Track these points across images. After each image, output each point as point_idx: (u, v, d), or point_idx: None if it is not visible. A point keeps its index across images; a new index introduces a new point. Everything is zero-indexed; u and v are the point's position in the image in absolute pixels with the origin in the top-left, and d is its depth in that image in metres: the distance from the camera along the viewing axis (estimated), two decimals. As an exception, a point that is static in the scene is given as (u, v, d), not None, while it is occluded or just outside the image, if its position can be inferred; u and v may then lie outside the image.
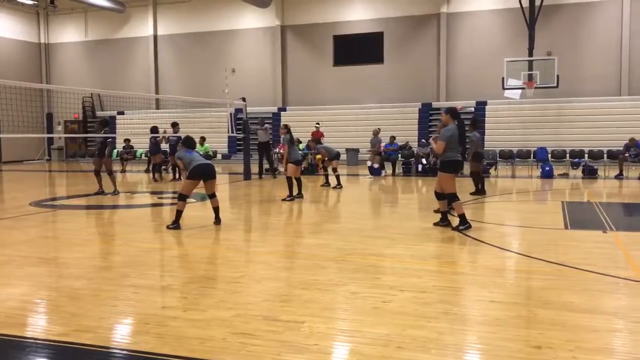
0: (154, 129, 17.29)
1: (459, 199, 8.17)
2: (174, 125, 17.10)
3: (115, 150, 14.00)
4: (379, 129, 18.81)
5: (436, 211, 9.10)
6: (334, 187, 14.27)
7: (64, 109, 28.58)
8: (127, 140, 22.82)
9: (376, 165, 18.36)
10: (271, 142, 18.62)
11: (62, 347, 3.88)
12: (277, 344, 3.82)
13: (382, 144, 20.33)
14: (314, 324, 4.23)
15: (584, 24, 23.10)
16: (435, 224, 8.46)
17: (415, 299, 4.83)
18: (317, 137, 18.91)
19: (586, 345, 3.76)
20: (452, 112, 8.34)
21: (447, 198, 8.18)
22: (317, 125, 21.29)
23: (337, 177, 14.61)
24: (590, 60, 22.99)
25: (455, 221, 8.26)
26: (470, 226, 8.02)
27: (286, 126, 12.59)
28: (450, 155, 8.09)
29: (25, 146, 30.14)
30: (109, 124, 14.04)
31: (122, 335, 4.22)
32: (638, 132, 19.64)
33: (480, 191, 12.43)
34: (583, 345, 3.76)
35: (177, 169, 16.99)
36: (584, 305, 4.62)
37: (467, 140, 9.83)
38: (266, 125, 18.75)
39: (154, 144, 17.64)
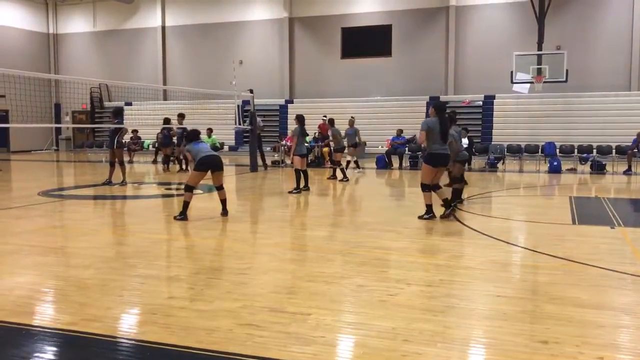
0: (167, 121, 17.52)
1: (429, 191, 8.48)
2: (180, 116, 17.11)
3: (124, 141, 14.05)
4: (353, 118, 17.42)
5: (442, 205, 9.09)
6: (340, 180, 14.25)
7: (72, 100, 28.66)
8: (134, 131, 22.87)
9: (350, 159, 16.72)
10: (261, 135, 18.74)
11: (70, 336, 3.91)
12: (284, 336, 3.83)
13: (389, 138, 20.31)
14: (320, 316, 4.24)
15: (594, 18, 22.91)
16: (442, 216, 8.50)
17: (422, 293, 4.83)
18: (324, 129, 18.89)
19: (593, 341, 3.75)
20: (437, 106, 8.60)
21: (421, 187, 8.50)
22: (324, 118, 21.21)
23: (343, 170, 14.62)
24: (599, 54, 22.82)
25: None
26: (434, 216, 8.42)
27: (297, 117, 12.51)
28: (436, 148, 8.33)
29: (33, 136, 30.28)
30: (121, 114, 14.02)
31: (129, 325, 4.25)
32: (647, 128, 19.55)
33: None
34: (590, 340, 3.75)
35: (183, 160, 17.09)
36: (591, 301, 4.61)
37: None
38: (259, 119, 18.65)
39: (166, 136, 17.87)
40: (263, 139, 18.36)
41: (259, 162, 17.93)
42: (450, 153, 8.71)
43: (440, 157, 8.38)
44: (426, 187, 8.46)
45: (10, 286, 5.12)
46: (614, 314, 4.32)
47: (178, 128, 16.65)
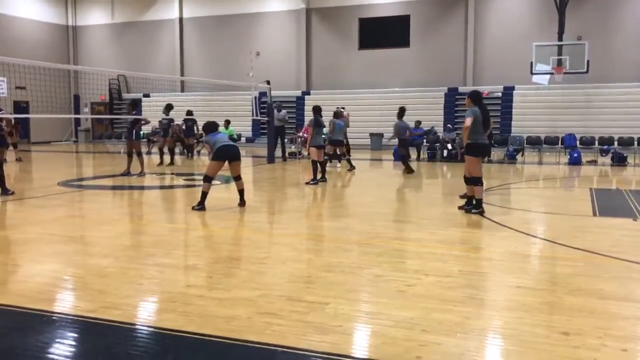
0: (189, 113, 18.47)
1: (482, 184, 8.19)
2: (167, 107, 16.54)
3: (141, 132, 14.05)
4: (339, 108, 15.98)
5: (462, 196, 9.02)
6: (349, 169, 14.53)
7: (91, 91, 28.90)
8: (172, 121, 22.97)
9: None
10: (286, 127, 18.72)
11: (90, 323, 3.93)
12: (302, 324, 3.83)
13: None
14: (338, 305, 4.22)
15: (616, 8, 22.48)
16: (460, 208, 8.41)
17: (440, 283, 4.79)
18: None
19: (616, 333, 3.69)
20: (474, 96, 8.33)
21: (472, 181, 8.13)
22: (342, 110, 21.11)
23: (349, 160, 14.87)
24: (621, 45, 22.40)
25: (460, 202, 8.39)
26: (483, 212, 8.03)
27: (314, 108, 12.44)
28: (476, 138, 8.06)
29: (53, 127, 30.59)
30: (138, 105, 14.20)
31: (148, 312, 4.27)
32: (670, 119, 19.23)
33: (409, 169, 13.84)
34: (613, 332, 3.69)
35: (169, 153, 16.73)
36: (613, 293, 4.53)
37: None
38: (283, 111, 18.64)
39: (189, 127, 18.41)
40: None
41: (278, 153, 17.94)
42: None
43: (483, 147, 8.22)
44: (479, 180, 8.11)
45: (31, 273, 5.17)
46: (637, 306, 4.25)
47: (164, 119, 16.32)
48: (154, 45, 30.58)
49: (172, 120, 16.90)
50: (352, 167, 14.82)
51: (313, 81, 27.58)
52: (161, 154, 16.53)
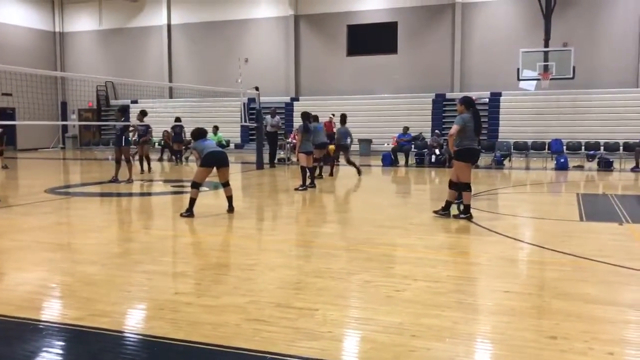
0: (178, 119, 19.01)
1: (470, 190, 8.18)
2: (142, 113, 15.45)
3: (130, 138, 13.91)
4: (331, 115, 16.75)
5: (436, 212, 9.04)
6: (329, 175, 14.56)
7: (78, 98, 28.74)
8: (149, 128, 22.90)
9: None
10: (279, 133, 18.72)
11: (77, 331, 3.91)
12: (291, 331, 3.82)
13: (396, 135, 20.26)
14: (327, 311, 4.23)
15: (601, 14, 22.77)
16: (435, 212, 8.41)
17: (429, 289, 4.80)
18: (329, 127, 18.85)
19: (602, 337, 3.72)
20: (467, 102, 8.28)
21: (460, 187, 8.14)
22: (332, 116, 21.12)
23: (320, 168, 14.22)
24: (607, 51, 22.67)
25: (455, 211, 8.31)
26: (471, 217, 8.05)
27: (303, 114, 12.45)
28: (466, 144, 8.05)
29: (40, 134, 30.38)
30: (127, 111, 14.13)
31: (136, 320, 4.25)
32: (655, 125, 19.45)
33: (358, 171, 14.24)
34: (599, 336, 3.73)
35: (145, 160, 16.21)
36: (600, 297, 4.58)
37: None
38: (277, 117, 18.69)
39: (178, 134, 18.87)
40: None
41: (266, 159, 17.87)
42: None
43: (473, 151, 8.20)
44: (467, 186, 8.10)
45: (18, 282, 5.13)
46: (623, 310, 4.29)
47: (140, 126, 15.48)
48: (142, 51, 30.51)
49: (148, 126, 16.42)
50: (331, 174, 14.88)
51: (302, 87, 27.63)
52: (141, 161, 16.15)
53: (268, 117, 18.23)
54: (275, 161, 18.32)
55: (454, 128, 8.00)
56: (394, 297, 4.59)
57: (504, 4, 24.16)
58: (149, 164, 16.46)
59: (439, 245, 6.74)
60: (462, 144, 8.05)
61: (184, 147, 19.21)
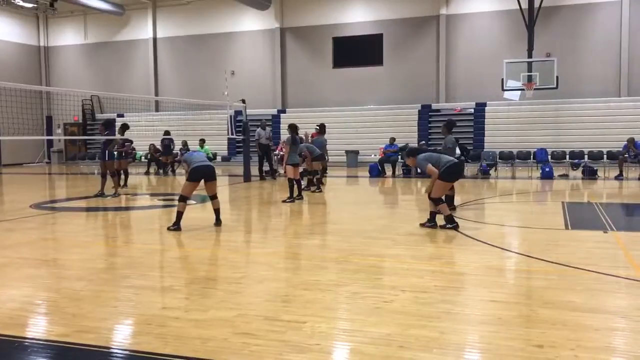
0: (167, 133, 19.37)
1: (443, 202, 8.29)
2: (123, 127, 14.61)
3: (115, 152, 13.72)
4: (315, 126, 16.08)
5: (422, 225, 9.12)
6: (314, 191, 13.51)
7: (64, 112, 28.55)
8: (129, 142, 22.77)
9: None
10: (271, 145, 18.58)
11: (63, 348, 3.87)
12: (279, 344, 3.82)
13: (382, 146, 20.35)
14: (315, 324, 4.22)
15: (583, 25, 23.11)
16: (422, 225, 8.46)
17: (417, 299, 4.82)
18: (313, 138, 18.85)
19: (588, 344, 3.75)
20: (450, 125, 8.59)
21: (434, 202, 8.26)
22: (317, 128, 21.21)
23: (319, 180, 13.90)
24: (589, 61, 22.99)
25: (441, 221, 8.34)
26: (457, 226, 8.11)
27: (290, 126, 12.46)
28: (449, 161, 8.28)
29: (25, 149, 30.11)
30: (112, 125, 14.07)
31: (123, 335, 4.22)
32: (637, 133, 19.69)
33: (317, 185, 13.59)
34: (585, 344, 3.76)
35: (124, 175, 15.30)
36: (585, 305, 4.62)
37: None
38: (268, 128, 18.65)
39: (167, 146, 19.36)
40: (257, 149, 18.20)
41: (254, 172, 17.81)
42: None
43: (453, 168, 8.28)
44: (439, 200, 8.23)
45: (2, 299, 5.07)
46: (608, 318, 4.33)
47: (121, 139, 14.71)
48: (128, 65, 30.44)
49: (128, 141, 15.83)
50: (316, 188, 13.71)
51: (288, 99, 27.70)
52: (119, 175, 14.70)
53: (259, 129, 18.12)
54: (271, 172, 18.12)
55: (429, 169, 8.20)
56: (382, 308, 4.60)
57: (488, 15, 24.44)
58: (125, 178, 15.60)
59: (426, 255, 6.77)
60: (446, 162, 8.24)
61: (172, 160, 19.32)
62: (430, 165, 8.26)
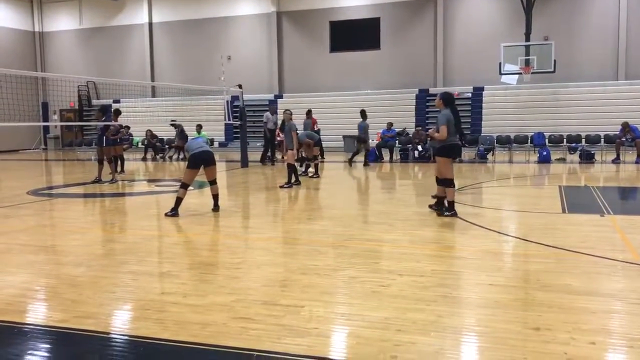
0: (173, 120, 18.57)
1: (454, 186, 8.20)
2: (116, 112, 14.41)
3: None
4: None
5: (434, 196, 9.12)
6: (311, 176, 13.62)
7: (60, 98, 28.43)
8: (126, 127, 22.67)
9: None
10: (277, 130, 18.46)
11: (63, 333, 3.89)
12: (278, 328, 3.84)
13: (380, 131, 20.32)
14: (313, 308, 4.25)
15: (581, 8, 23.00)
16: (430, 207, 8.47)
17: (414, 283, 4.84)
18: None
19: (584, 327, 3.78)
20: (446, 98, 8.31)
21: (444, 183, 8.16)
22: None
23: (316, 165, 13.99)
24: (587, 45, 22.92)
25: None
26: (456, 214, 8.02)
27: (285, 113, 12.51)
28: (449, 140, 8.07)
29: (21, 136, 30.03)
30: (108, 111, 13.99)
31: (122, 321, 4.23)
32: (635, 117, 19.71)
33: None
34: (581, 326, 3.79)
35: (119, 160, 15.02)
36: (582, 288, 4.64)
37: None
38: (275, 114, 18.36)
39: (182, 131, 18.90)
40: (253, 134, 18.20)
41: (252, 157, 17.82)
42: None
43: (456, 147, 8.21)
44: (451, 182, 8.08)
45: (1, 285, 5.08)
46: (604, 300, 4.36)
47: (117, 125, 14.31)
48: (124, 50, 30.26)
49: (122, 126, 15.57)
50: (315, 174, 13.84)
51: (285, 84, 27.60)
52: (116, 162, 14.57)
53: (267, 113, 18.06)
54: (271, 158, 18.07)
55: (443, 129, 7.98)
56: (379, 292, 4.62)
57: (485, -2, 24.30)
58: (122, 164, 15.45)
59: (423, 240, 6.79)
60: (447, 139, 8.08)
61: (167, 146, 19.21)
62: (444, 127, 7.95)
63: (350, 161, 16.68)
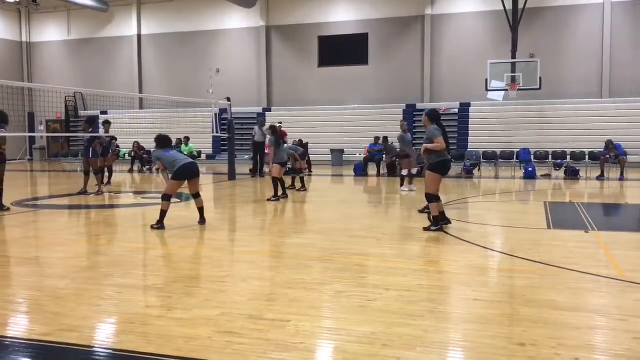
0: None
1: (439, 201, 8.18)
2: (106, 123, 14.54)
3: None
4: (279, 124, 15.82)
5: (421, 211, 9.16)
6: (299, 189, 13.67)
7: (46, 109, 28.23)
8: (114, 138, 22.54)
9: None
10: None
11: (45, 347, 3.84)
12: (263, 343, 3.82)
13: (367, 145, 20.41)
14: (299, 322, 4.23)
15: (566, 27, 23.36)
16: (420, 211, 8.47)
17: (401, 298, 4.85)
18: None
19: (569, 342, 3.80)
20: (431, 114, 8.40)
21: (428, 198, 8.15)
22: (279, 124, 20.65)
23: (302, 178, 14.10)
24: (572, 62, 23.25)
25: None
26: (441, 229, 8.01)
27: (272, 127, 12.59)
28: (441, 155, 8.12)
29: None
30: (95, 122, 13.93)
31: (106, 334, 4.19)
32: (619, 134, 19.99)
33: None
34: (566, 342, 3.81)
35: (108, 173, 15.06)
36: (566, 303, 4.67)
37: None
38: (264, 128, 18.41)
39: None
40: (241, 147, 18.26)
41: (239, 170, 17.81)
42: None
43: (448, 164, 8.23)
44: (434, 197, 8.07)
45: (-18, 297, 5.01)
46: (589, 316, 4.39)
47: (106, 136, 14.51)
48: (112, 62, 30.20)
49: (113, 138, 15.61)
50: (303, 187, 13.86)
51: (274, 98, 27.66)
52: (103, 173, 14.38)
53: (256, 127, 18.32)
54: (259, 171, 18.13)
55: (440, 139, 7.99)
56: (366, 306, 4.62)
57: (473, 16, 24.60)
58: (109, 176, 15.60)
59: (410, 254, 6.80)
60: (439, 155, 8.10)
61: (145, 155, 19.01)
62: (440, 138, 7.98)
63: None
